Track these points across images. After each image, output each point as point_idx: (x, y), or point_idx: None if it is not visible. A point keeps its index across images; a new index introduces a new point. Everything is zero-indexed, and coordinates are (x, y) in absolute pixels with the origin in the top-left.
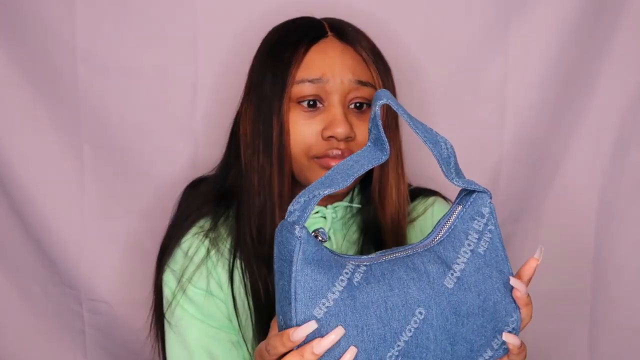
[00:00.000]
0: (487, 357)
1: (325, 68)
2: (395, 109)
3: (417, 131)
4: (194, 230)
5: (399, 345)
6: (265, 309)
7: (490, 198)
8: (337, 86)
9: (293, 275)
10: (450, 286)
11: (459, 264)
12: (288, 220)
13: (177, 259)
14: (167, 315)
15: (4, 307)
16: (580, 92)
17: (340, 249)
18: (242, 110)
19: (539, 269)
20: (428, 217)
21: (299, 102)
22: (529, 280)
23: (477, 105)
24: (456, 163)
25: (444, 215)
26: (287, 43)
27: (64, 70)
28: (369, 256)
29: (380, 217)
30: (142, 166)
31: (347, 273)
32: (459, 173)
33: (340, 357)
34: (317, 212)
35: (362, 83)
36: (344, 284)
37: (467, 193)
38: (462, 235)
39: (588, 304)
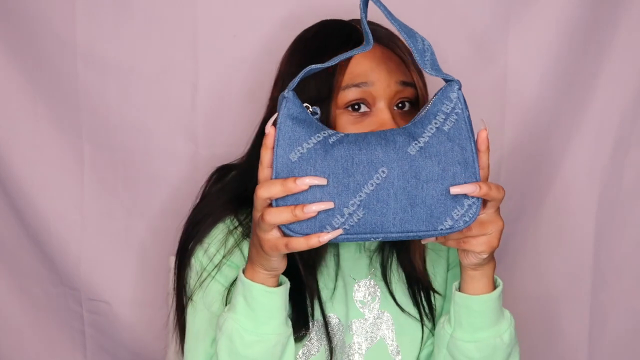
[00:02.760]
0: (447, 227)
1: (370, 72)
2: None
3: (394, 23)
4: (220, 226)
5: (360, 196)
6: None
7: (459, 87)
8: (383, 90)
9: (277, 125)
10: (412, 153)
11: (423, 137)
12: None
13: (211, 241)
14: (194, 292)
15: (4, 307)
16: (580, 91)
17: (365, 244)
18: (274, 112)
19: (538, 270)
20: None
21: (346, 107)
22: (487, 148)
23: (477, 106)
24: (433, 58)
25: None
26: (327, 49)
27: (64, 70)
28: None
29: None
30: (142, 166)
31: (324, 134)
32: (434, 66)
33: (310, 202)
34: None
35: (406, 84)
36: (319, 139)
37: (441, 88)
38: (431, 116)
39: (588, 304)
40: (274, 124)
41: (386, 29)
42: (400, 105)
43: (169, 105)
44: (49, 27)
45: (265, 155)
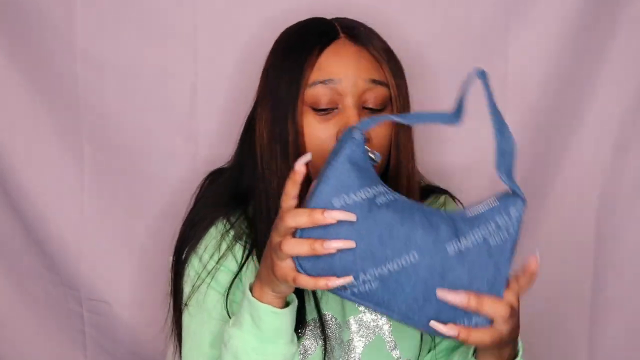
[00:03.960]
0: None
1: (339, 69)
2: (484, 87)
3: (493, 114)
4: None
5: (382, 270)
6: None
7: (524, 205)
8: (350, 88)
9: (333, 162)
10: (449, 251)
11: (466, 241)
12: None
13: (204, 248)
14: (190, 299)
15: (4, 307)
16: (581, 92)
17: None
18: (257, 112)
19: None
20: None
21: (312, 106)
22: (532, 275)
23: (477, 106)
24: (511, 162)
25: (479, 204)
26: (301, 46)
27: (64, 70)
28: (398, 194)
29: None
30: (142, 166)
31: (374, 191)
32: (509, 172)
33: (335, 239)
34: None
35: (375, 82)
36: (367, 196)
37: (507, 194)
38: (483, 220)
39: (588, 304)
40: (307, 163)
41: (364, 25)
42: (370, 106)
43: (168, 106)
44: (49, 27)
45: (292, 189)
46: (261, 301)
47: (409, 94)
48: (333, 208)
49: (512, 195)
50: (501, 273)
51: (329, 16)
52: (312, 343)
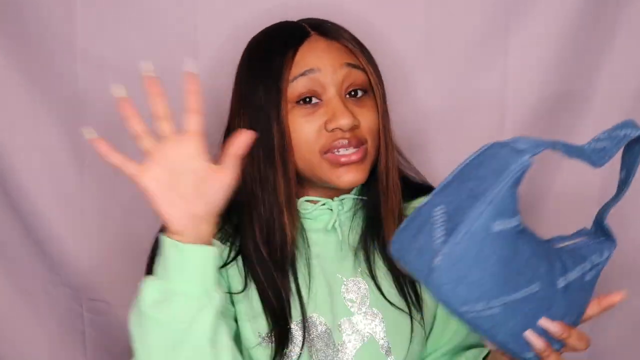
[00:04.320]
0: (528, 357)
1: (316, 60)
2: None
3: (629, 171)
4: None
5: (509, 297)
6: (277, 317)
7: (615, 247)
8: (330, 76)
9: (502, 185)
10: (560, 286)
11: (572, 275)
12: (512, 145)
13: None
14: None
15: (4, 307)
16: (580, 92)
17: (347, 241)
18: (233, 124)
19: None
20: None
21: (297, 101)
22: (604, 309)
23: (477, 106)
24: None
25: (576, 233)
26: (273, 50)
27: (64, 70)
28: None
29: (383, 209)
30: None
31: (519, 217)
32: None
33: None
34: (323, 204)
35: (353, 66)
36: (517, 222)
37: (600, 231)
38: (582, 258)
39: None
40: None
41: (332, 23)
42: (352, 93)
43: (168, 106)
44: (49, 27)
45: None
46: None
47: (387, 90)
48: (493, 232)
49: (608, 238)
50: (585, 303)
51: (323, 17)
52: (297, 345)
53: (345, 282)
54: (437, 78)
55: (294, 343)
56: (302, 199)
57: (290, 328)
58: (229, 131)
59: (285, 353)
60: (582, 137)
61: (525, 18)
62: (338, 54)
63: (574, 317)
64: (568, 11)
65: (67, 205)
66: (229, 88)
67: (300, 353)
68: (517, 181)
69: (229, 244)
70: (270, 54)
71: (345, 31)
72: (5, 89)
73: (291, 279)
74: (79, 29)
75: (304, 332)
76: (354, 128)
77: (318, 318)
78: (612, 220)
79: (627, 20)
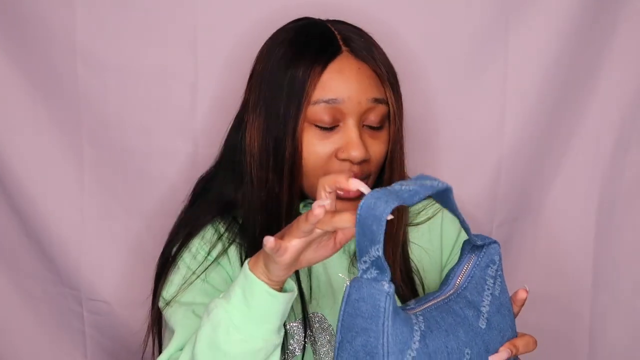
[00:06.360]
0: None
1: (342, 89)
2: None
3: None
4: (198, 238)
5: None
6: None
7: (499, 245)
8: (353, 107)
9: (385, 330)
10: (483, 327)
11: (485, 307)
12: (365, 277)
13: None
14: (179, 294)
15: (4, 307)
16: (580, 91)
17: (348, 245)
18: (248, 115)
19: (538, 270)
20: (437, 223)
21: (315, 125)
22: (521, 306)
23: (477, 105)
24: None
25: (456, 264)
26: (302, 60)
27: (64, 70)
28: (411, 305)
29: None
30: (142, 166)
31: (415, 322)
32: (469, 233)
33: None
34: None
35: (377, 101)
36: (418, 333)
37: (476, 244)
38: (481, 281)
39: (588, 304)
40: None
41: (363, 35)
42: (370, 124)
43: (168, 106)
44: (49, 28)
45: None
46: (258, 277)
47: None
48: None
49: (486, 244)
50: (511, 309)
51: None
52: (299, 343)
53: (347, 282)
54: (436, 78)
55: (297, 340)
56: (303, 203)
57: (289, 327)
58: (240, 122)
59: (289, 350)
60: (582, 136)
61: (525, 18)
62: (366, 84)
63: (510, 331)
64: (568, 11)
65: (67, 205)
66: (229, 88)
67: (304, 349)
68: (394, 312)
69: (236, 243)
70: (296, 62)
71: (377, 47)
72: (5, 89)
73: (292, 278)
74: (79, 29)
75: (305, 329)
76: (363, 161)
77: (321, 315)
78: (611, 220)
79: (627, 19)
